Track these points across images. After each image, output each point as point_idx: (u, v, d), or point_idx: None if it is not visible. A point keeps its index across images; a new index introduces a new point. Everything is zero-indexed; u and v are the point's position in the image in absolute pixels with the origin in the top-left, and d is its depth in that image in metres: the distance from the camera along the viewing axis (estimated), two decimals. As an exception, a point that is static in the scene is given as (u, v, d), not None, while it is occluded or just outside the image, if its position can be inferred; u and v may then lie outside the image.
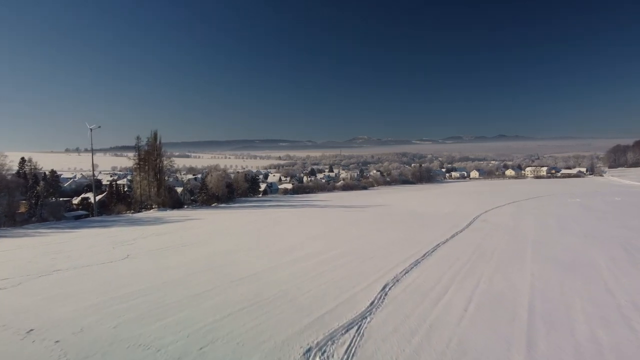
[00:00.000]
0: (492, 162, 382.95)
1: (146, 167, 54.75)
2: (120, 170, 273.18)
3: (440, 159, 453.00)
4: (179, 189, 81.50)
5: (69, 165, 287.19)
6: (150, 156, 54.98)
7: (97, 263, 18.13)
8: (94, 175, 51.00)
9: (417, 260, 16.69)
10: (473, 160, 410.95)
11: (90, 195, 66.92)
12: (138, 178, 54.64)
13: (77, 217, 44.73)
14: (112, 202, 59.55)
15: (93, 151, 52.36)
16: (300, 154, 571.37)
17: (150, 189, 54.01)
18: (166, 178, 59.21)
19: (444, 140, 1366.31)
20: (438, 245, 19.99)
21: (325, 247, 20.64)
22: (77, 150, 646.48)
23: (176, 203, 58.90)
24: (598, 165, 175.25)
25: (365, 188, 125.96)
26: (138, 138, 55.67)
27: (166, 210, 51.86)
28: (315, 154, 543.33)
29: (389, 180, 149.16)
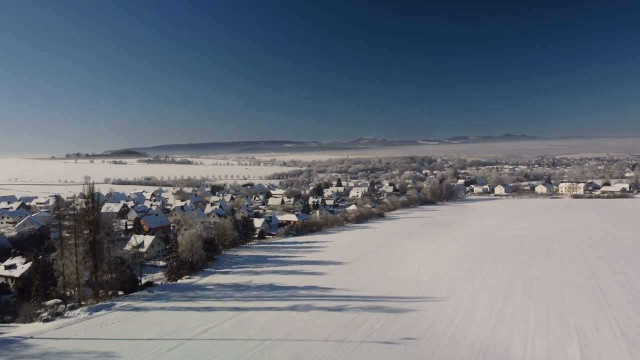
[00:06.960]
0: (506, 166, 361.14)
1: (75, 237, 36.45)
2: (113, 183, 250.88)
3: (450, 162, 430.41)
4: (149, 240, 62.88)
5: (60, 176, 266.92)
6: (82, 221, 36.66)
7: None
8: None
9: None
10: (485, 164, 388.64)
11: (18, 261, 48.78)
12: (60, 261, 36.07)
13: None
14: (35, 282, 41.47)
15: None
16: (306, 157, 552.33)
17: (81, 271, 35.89)
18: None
19: (450, 140, 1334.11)
20: None
21: None
22: (78, 155, 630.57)
23: (127, 284, 40.71)
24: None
25: (382, 216, 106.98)
26: (57, 197, 37.17)
27: (100, 310, 33.74)
28: (322, 157, 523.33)
29: (406, 201, 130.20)
